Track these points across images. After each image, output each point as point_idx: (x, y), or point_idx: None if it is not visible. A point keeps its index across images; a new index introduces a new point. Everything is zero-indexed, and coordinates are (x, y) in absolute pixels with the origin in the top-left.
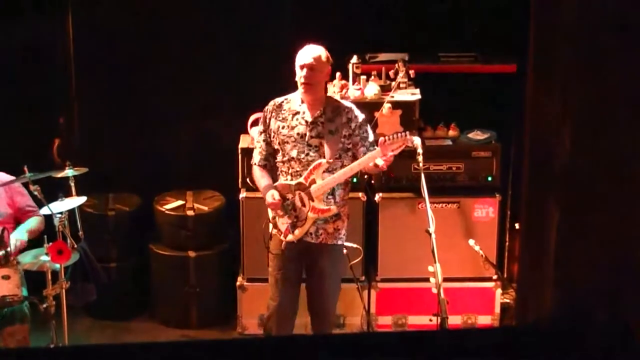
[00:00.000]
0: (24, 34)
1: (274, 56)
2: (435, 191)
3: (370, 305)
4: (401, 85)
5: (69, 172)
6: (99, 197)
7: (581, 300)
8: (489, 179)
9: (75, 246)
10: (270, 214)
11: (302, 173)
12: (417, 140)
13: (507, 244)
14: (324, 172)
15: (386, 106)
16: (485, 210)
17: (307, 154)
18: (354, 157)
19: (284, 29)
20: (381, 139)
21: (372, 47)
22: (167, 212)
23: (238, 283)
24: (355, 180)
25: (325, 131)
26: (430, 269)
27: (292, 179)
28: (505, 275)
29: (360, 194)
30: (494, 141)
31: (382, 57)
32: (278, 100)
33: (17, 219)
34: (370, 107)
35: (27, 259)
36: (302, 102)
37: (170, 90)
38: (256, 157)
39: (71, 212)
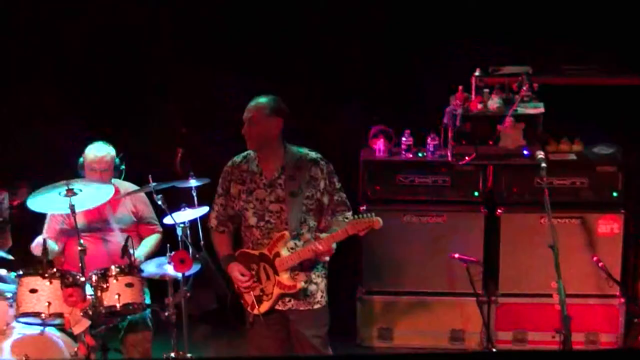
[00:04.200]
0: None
1: (397, 69)
2: (558, 206)
3: (489, 320)
4: (524, 99)
5: (192, 182)
6: None
7: None
8: (614, 194)
9: (197, 256)
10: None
11: (263, 242)
12: (540, 155)
13: (632, 260)
14: (289, 241)
15: (509, 119)
16: (610, 226)
17: (268, 221)
18: (320, 216)
19: (407, 43)
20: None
21: (496, 59)
22: None
23: (357, 295)
24: (476, 193)
25: (285, 194)
26: (554, 284)
27: (254, 248)
28: (630, 293)
29: (481, 208)
30: (620, 156)
31: (506, 70)
32: (237, 159)
33: (138, 229)
34: (493, 120)
35: (150, 268)
36: (259, 160)
37: (291, 99)
38: (213, 221)
39: (193, 221)
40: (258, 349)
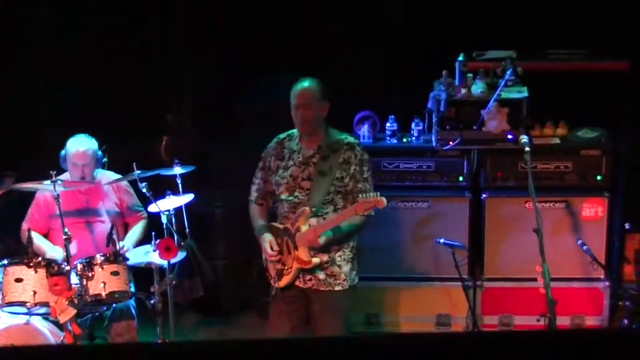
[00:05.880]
0: (136, 32)
1: (381, 55)
2: (543, 190)
3: (475, 305)
4: (508, 83)
5: (177, 169)
6: (206, 194)
7: None
8: (598, 178)
9: (183, 243)
10: (264, 254)
11: (289, 216)
12: (524, 139)
13: (617, 244)
14: (310, 218)
15: (493, 104)
16: (594, 210)
17: (297, 197)
18: (348, 200)
19: (395, 27)
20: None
21: (480, 44)
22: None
23: None
24: (461, 178)
25: (315, 172)
26: (539, 268)
27: (281, 222)
28: (615, 276)
29: (466, 193)
30: (604, 139)
31: (490, 54)
32: (282, 136)
33: (124, 218)
34: (476, 105)
35: (135, 256)
36: (300, 139)
37: (277, 87)
38: (253, 194)
39: (178, 209)
40: (273, 327)
